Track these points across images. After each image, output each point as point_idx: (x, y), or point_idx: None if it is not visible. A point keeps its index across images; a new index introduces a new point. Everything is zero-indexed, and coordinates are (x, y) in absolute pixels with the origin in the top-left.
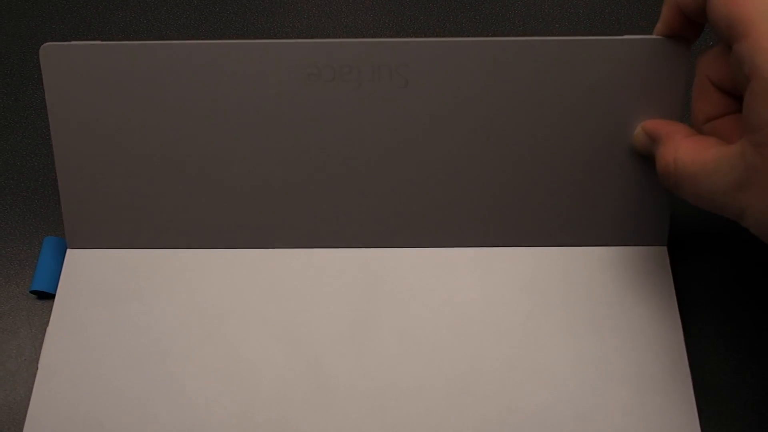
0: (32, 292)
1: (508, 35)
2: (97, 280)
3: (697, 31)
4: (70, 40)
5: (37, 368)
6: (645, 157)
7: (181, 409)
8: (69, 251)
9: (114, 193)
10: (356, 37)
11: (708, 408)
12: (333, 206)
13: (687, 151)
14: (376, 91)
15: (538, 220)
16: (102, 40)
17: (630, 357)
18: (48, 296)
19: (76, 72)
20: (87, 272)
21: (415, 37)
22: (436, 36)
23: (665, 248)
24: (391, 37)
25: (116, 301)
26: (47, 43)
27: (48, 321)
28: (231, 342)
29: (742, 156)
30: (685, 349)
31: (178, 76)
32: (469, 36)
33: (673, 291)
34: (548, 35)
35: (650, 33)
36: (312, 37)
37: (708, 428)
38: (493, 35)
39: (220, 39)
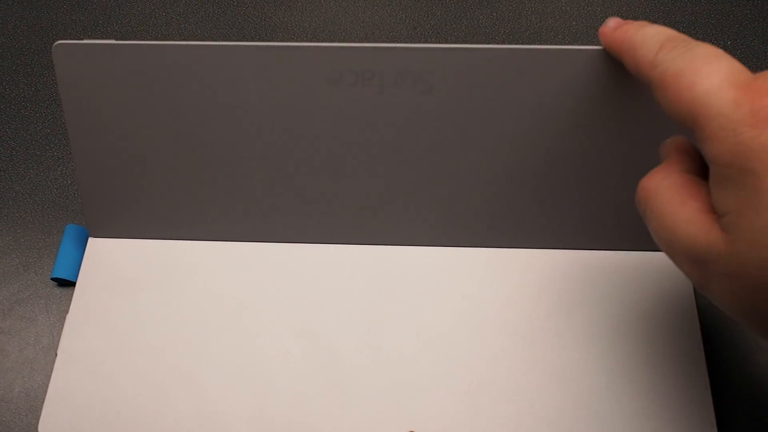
0: (53, 279)
1: (524, 32)
2: (118, 269)
3: None
4: (89, 32)
5: (55, 355)
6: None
7: (197, 399)
8: (91, 240)
9: (134, 184)
10: (374, 32)
11: (726, 413)
12: (354, 204)
13: (668, 191)
14: (398, 97)
15: (557, 222)
16: (120, 33)
17: (648, 361)
18: (68, 284)
19: (89, 69)
20: (108, 261)
21: (431, 33)
22: (452, 33)
23: None
24: (408, 33)
25: (136, 290)
26: (60, 42)
27: (66, 309)
28: (248, 334)
29: (708, 235)
30: (704, 354)
31: (195, 77)
32: (484, 33)
33: (693, 296)
34: (565, 33)
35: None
36: (330, 32)
37: (723, 430)
38: (510, 32)
39: (237, 31)
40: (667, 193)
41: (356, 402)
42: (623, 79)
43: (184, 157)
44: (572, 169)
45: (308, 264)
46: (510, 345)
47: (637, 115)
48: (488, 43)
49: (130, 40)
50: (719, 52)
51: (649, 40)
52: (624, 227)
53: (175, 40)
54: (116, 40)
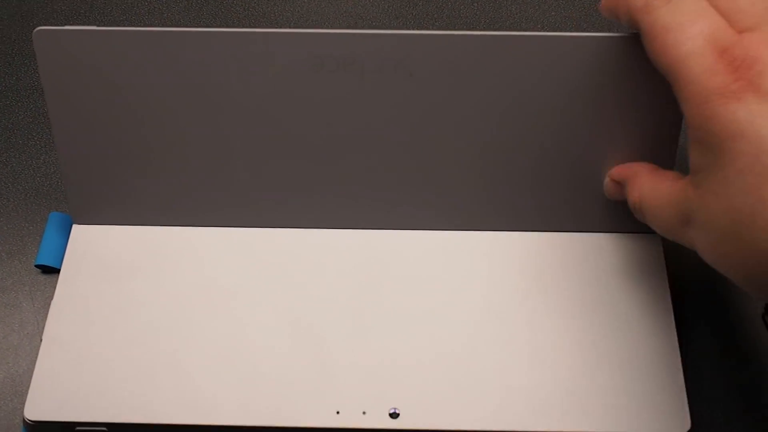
0: (37, 266)
1: (504, 22)
2: (102, 256)
3: None
4: (71, 20)
5: (40, 341)
6: (641, 150)
7: (182, 383)
8: (75, 226)
9: (117, 171)
10: (357, 23)
11: (696, 388)
12: (337, 189)
13: (648, 186)
14: (379, 82)
15: (537, 206)
16: (101, 22)
17: (622, 339)
18: (52, 271)
19: (70, 55)
20: (92, 247)
21: (413, 22)
22: (434, 23)
23: (659, 237)
24: (390, 23)
25: (121, 276)
26: (40, 28)
27: (51, 295)
28: (234, 318)
29: (685, 193)
30: (676, 332)
31: (177, 63)
32: (465, 22)
33: (666, 278)
34: (544, 23)
35: None
36: (313, 22)
37: (696, 408)
38: (490, 22)
39: (221, 20)
40: (648, 191)
41: (341, 382)
42: (603, 65)
43: (168, 143)
44: (551, 153)
45: (293, 249)
46: (489, 325)
47: (617, 100)
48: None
49: (112, 25)
50: (704, 6)
51: None
52: (600, 211)
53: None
54: (97, 26)
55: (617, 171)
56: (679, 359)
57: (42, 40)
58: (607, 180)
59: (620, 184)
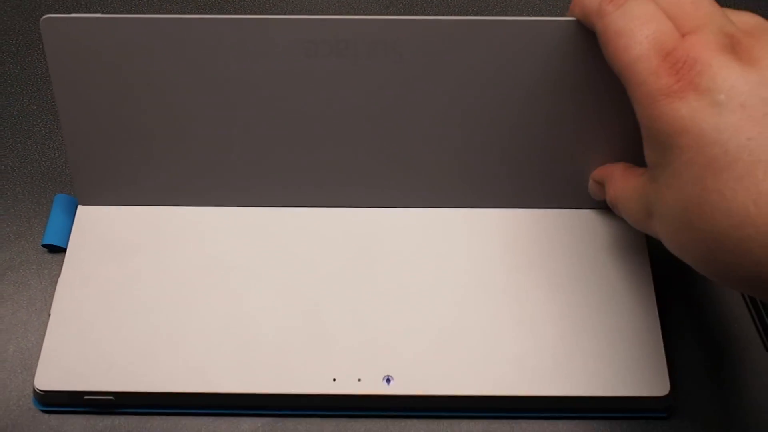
0: (44, 245)
1: (491, 10)
2: (106, 234)
3: None
4: (72, 11)
5: (48, 316)
6: (623, 128)
7: (184, 354)
8: (80, 207)
9: (121, 153)
10: (347, 12)
11: (675, 354)
12: (331, 169)
13: (620, 185)
14: (371, 65)
15: (522, 184)
16: (103, 8)
17: (604, 309)
18: (58, 250)
19: (76, 42)
20: (97, 227)
21: (402, 12)
22: (423, 10)
23: None
24: (380, 12)
25: (124, 253)
26: (47, 16)
27: (57, 273)
28: (233, 292)
29: (646, 188)
30: (656, 301)
31: (177, 48)
32: (453, 11)
33: (646, 249)
34: (530, 11)
35: None
36: (305, 11)
37: (675, 372)
38: (478, 11)
39: (217, 10)
40: (620, 188)
41: (336, 352)
42: (585, 50)
43: (169, 126)
44: (535, 133)
45: (290, 226)
46: (477, 296)
47: (597, 84)
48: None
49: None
50: (652, 11)
51: None
52: (582, 188)
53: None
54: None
55: (597, 172)
56: (658, 327)
57: (49, 28)
58: (590, 182)
59: (601, 185)
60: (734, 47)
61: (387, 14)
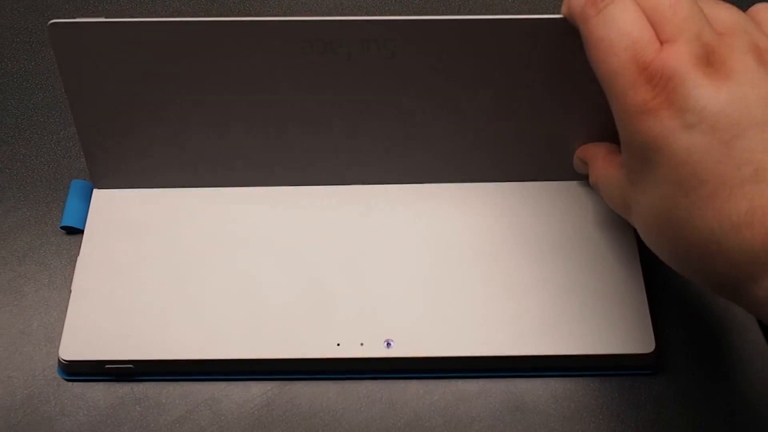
0: (62, 227)
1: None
2: (121, 215)
3: None
4: (80, 9)
5: (69, 292)
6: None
7: (198, 322)
8: (95, 191)
9: (131, 142)
10: (342, 7)
11: (659, 314)
12: (332, 150)
13: (602, 172)
14: (365, 61)
15: (510, 160)
16: (110, 8)
17: (591, 272)
18: (76, 231)
19: (83, 44)
20: (112, 209)
21: (397, 7)
22: (418, 11)
23: None
24: (375, 8)
25: (139, 231)
26: (53, 21)
27: (76, 253)
28: (243, 265)
29: (623, 184)
30: (640, 264)
31: (182, 50)
32: (446, 4)
33: None
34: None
35: None
36: (302, 6)
37: (660, 332)
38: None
39: (218, 6)
40: (601, 174)
41: (340, 318)
42: (572, 43)
43: (176, 118)
44: (522, 115)
45: (294, 203)
46: (470, 265)
47: (583, 64)
48: (444, 13)
49: (119, 15)
50: (632, 18)
51: None
52: (566, 162)
53: (162, 17)
54: (107, 17)
55: (581, 151)
56: (643, 288)
57: (56, 32)
58: (575, 158)
59: (585, 163)
60: (709, 58)
61: (380, 4)
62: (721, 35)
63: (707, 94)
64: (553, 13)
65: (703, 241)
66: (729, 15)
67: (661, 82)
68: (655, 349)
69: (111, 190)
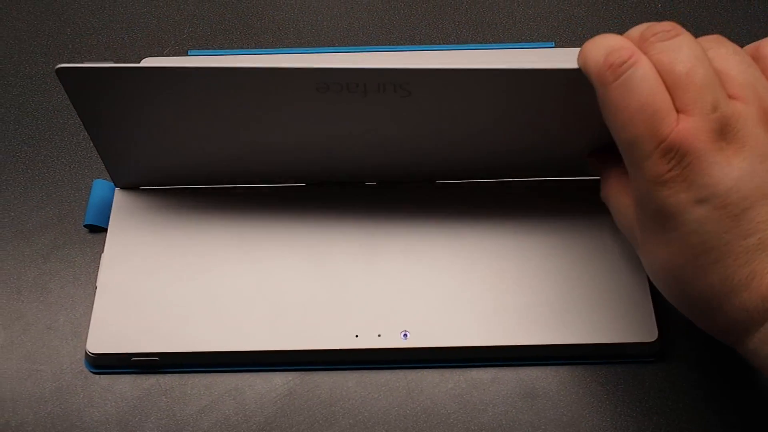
0: (85, 226)
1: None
2: (143, 213)
3: None
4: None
5: (94, 288)
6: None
7: (221, 315)
8: (117, 190)
9: (146, 155)
10: (351, 8)
11: (662, 304)
12: (349, 160)
13: (614, 194)
14: (381, 100)
15: (519, 165)
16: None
17: (596, 264)
18: (99, 230)
19: (93, 82)
20: (134, 207)
21: (404, 11)
22: (426, 7)
23: None
24: (383, 6)
25: (161, 230)
26: (60, 66)
27: (99, 251)
28: (263, 260)
29: (634, 225)
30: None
31: (197, 91)
32: (451, 14)
33: None
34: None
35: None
36: (304, 24)
37: (662, 321)
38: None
39: (228, 17)
40: (613, 196)
41: (358, 311)
42: (574, 91)
43: (196, 151)
44: (535, 145)
45: (311, 200)
46: (482, 258)
47: (591, 117)
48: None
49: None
50: (650, 86)
51: (595, 51)
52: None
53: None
54: (115, 61)
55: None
56: (646, 280)
57: (65, 75)
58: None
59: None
60: (723, 131)
61: (389, 9)
62: (733, 101)
63: (720, 172)
64: (561, 20)
65: (706, 297)
66: (740, 71)
67: (677, 156)
68: (657, 338)
69: (132, 190)
